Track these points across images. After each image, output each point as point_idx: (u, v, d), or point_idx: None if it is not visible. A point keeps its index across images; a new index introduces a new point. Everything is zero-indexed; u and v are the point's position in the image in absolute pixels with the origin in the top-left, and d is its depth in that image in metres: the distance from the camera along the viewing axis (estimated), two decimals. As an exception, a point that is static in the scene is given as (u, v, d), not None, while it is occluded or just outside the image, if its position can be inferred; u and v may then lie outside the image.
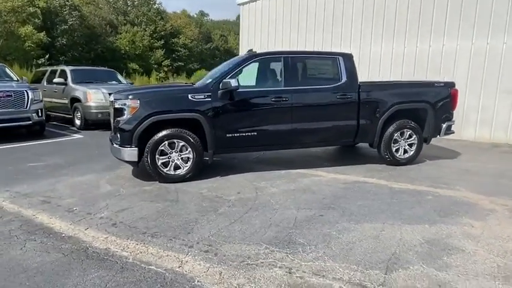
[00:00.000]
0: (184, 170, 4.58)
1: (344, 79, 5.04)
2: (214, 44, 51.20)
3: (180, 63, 42.78)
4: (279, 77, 4.89)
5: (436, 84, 5.46)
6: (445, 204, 3.82)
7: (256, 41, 11.74)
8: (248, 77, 5.48)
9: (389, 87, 5.35)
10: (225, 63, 5.91)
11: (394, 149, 5.34)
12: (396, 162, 5.40)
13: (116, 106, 4.52)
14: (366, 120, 5.13)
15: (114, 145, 4.53)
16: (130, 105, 4.36)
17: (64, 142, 7.77)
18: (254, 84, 4.94)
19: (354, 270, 2.49)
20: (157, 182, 4.59)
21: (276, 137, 4.90)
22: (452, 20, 7.90)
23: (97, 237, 3.02)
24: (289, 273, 2.45)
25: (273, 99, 4.77)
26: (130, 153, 4.41)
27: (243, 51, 11.92)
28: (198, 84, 5.08)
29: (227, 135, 4.66)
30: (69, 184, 4.56)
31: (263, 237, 3.03)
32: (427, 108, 5.33)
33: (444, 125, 5.50)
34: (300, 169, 5.20)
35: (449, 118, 5.53)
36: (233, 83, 4.36)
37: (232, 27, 64.16)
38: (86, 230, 3.17)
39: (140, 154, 4.44)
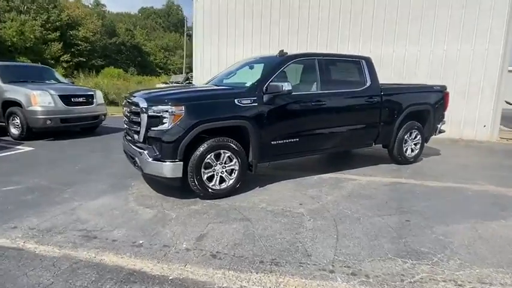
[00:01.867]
0: (230, 183, 4.12)
1: (369, 82, 5.19)
2: (119, 39, 47.44)
3: (81, 59, 38.73)
4: (314, 80, 4.77)
5: (434, 87, 6.03)
6: (490, 199, 4.25)
7: (214, 40, 11.26)
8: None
9: (403, 90, 5.71)
10: (239, 65, 5.53)
11: (404, 149, 5.73)
12: (405, 161, 5.80)
13: (150, 113, 3.80)
14: (386, 122, 5.38)
15: (149, 160, 3.80)
16: (174, 112, 3.71)
17: (11, 158, 6.20)
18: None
19: (504, 273, 2.58)
20: (195, 197, 4.04)
21: (315, 142, 4.78)
22: (413, 29, 8.84)
23: (213, 275, 2.50)
24: (459, 285, 2.41)
25: (313, 104, 4.63)
26: (175, 168, 3.76)
27: (197, 52, 11.32)
28: (222, 87, 4.65)
29: (272, 142, 4.35)
30: (92, 211, 3.67)
31: (386, 249, 2.92)
32: (429, 110, 5.86)
33: (439, 125, 6.13)
34: (326, 174, 5.17)
35: (442, 118, 6.18)
36: (286, 86, 4.08)
37: (136, 21, 60.40)
38: (189, 268, 2.59)
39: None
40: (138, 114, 3.97)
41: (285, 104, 4.38)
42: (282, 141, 4.41)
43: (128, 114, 4.27)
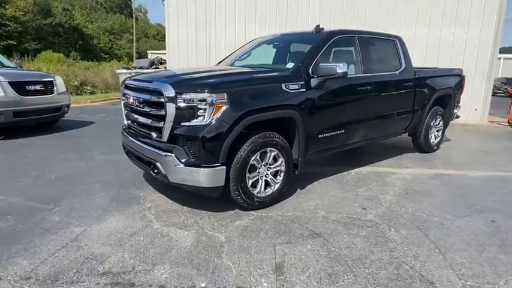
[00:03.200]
0: (276, 187, 3.33)
1: (404, 64, 4.64)
2: (56, 20, 42.54)
3: (11, 42, 34.27)
4: (354, 61, 4.08)
5: (454, 71, 5.69)
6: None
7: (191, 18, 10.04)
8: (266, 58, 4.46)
9: (432, 74, 5.25)
10: (253, 44, 4.64)
11: (429, 137, 5.35)
12: (429, 149, 5.43)
13: (180, 104, 2.83)
14: (418, 108, 4.92)
15: (179, 165, 2.86)
16: (215, 100, 2.80)
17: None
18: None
19: None
20: (234, 208, 3.21)
21: (359, 132, 4.13)
22: (408, 13, 8.54)
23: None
24: None
25: (362, 89, 3.96)
26: (216, 175, 2.87)
27: (171, 32, 10.06)
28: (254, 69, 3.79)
29: (319, 136, 3.62)
30: (104, 239, 2.67)
31: (507, 263, 2.40)
32: (451, 94, 5.52)
33: (456, 110, 5.85)
34: (359, 167, 4.58)
35: (459, 103, 5.90)
36: (341, 68, 3.33)
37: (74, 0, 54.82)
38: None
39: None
40: (159, 105, 2.98)
41: (335, 89, 3.64)
42: (329, 134, 3.70)
43: (138, 105, 3.23)
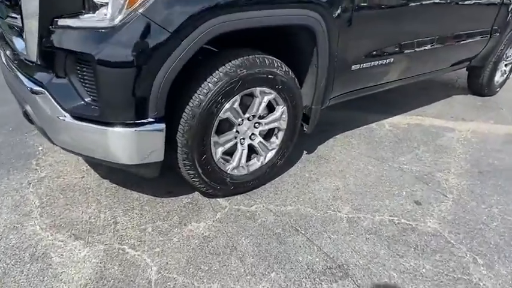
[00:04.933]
0: (268, 157, 1.87)
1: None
2: None
3: None
4: None
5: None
6: None
7: None
8: None
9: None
10: None
11: (495, 73, 3.73)
12: (489, 91, 3.84)
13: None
14: (498, 28, 3.20)
15: (64, 119, 1.33)
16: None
17: None
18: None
19: None
20: (190, 192, 1.80)
21: (416, 62, 2.51)
22: None
23: None
24: None
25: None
26: (144, 142, 1.38)
27: None
28: None
29: (354, 66, 2.02)
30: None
31: None
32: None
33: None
34: (393, 116, 3.02)
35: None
36: None
37: None
38: None
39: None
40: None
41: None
42: (370, 63, 2.09)
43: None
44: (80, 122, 1.34)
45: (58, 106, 1.33)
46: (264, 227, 1.64)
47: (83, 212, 1.65)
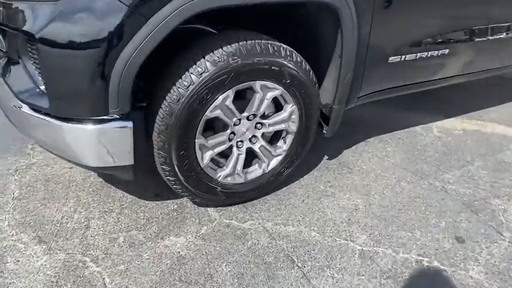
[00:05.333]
0: (272, 165, 1.56)
1: None
2: None
3: None
4: None
5: None
6: None
7: None
8: None
9: None
10: None
11: None
12: None
13: None
14: None
15: (20, 109, 1.15)
16: None
17: None
18: None
19: None
20: (178, 198, 1.56)
21: (482, 54, 2.00)
22: None
23: None
24: None
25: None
26: (104, 143, 1.15)
27: None
28: None
29: (391, 58, 1.61)
30: None
31: None
32: None
33: None
34: (447, 119, 2.52)
35: None
36: None
37: None
38: None
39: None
40: None
41: None
42: (414, 55, 1.65)
43: None
44: (36, 114, 1.14)
45: (13, 94, 1.14)
46: (253, 252, 1.36)
47: (57, 210, 1.49)
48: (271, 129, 1.50)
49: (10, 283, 1.18)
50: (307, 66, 1.42)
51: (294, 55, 1.36)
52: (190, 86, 1.19)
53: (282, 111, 1.48)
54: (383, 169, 1.90)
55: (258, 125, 1.47)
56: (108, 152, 1.18)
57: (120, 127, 1.14)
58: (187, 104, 1.20)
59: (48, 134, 1.18)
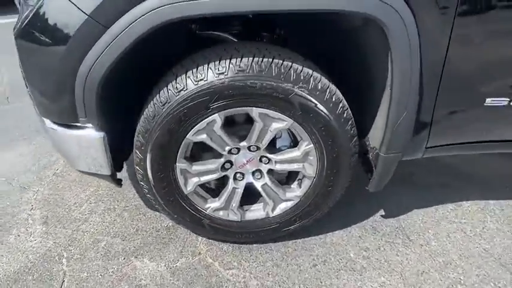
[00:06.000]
0: (281, 207, 1.25)
1: None
2: None
3: None
4: None
5: None
6: None
7: None
8: None
9: None
10: None
11: None
12: None
13: None
14: None
15: (46, 125, 1.20)
16: None
17: None
18: None
19: None
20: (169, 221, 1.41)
21: None
22: None
23: None
24: None
25: None
26: (82, 149, 1.08)
27: None
28: None
29: (489, 100, 1.05)
30: None
31: None
32: None
33: None
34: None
35: None
36: None
37: None
38: None
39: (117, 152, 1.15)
40: None
41: None
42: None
43: None
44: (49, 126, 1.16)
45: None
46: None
47: (75, 195, 1.57)
48: (279, 167, 1.18)
49: (0, 255, 1.30)
50: (336, 97, 1.03)
51: (312, 80, 1.00)
52: (166, 104, 1.01)
53: (296, 148, 1.14)
54: (466, 255, 1.29)
55: (264, 159, 1.18)
56: (87, 159, 1.13)
57: (92, 136, 1.06)
58: (161, 123, 1.02)
59: (47, 135, 1.20)
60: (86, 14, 0.86)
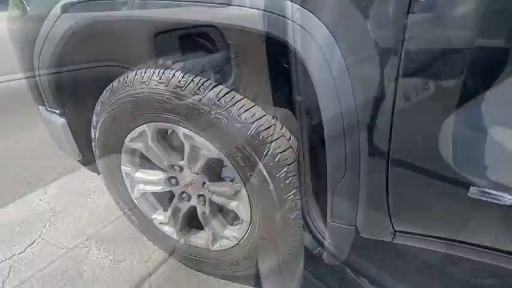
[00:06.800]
0: (222, 243, 1.06)
1: None
2: None
3: None
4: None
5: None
6: None
7: None
8: None
9: None
10: None
11: None
12: None
13: None
14: None
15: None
16: None
17: None
18: None
19: None
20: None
21: None
22: None
23: None
24: None
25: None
26: (56, 133, 1.20)
27: None
28: None
29: (471, 190, 0.63)
30: None
31: None
32: None
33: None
34: None
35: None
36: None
37: None
38: None
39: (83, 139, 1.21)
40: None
41: None
42: None
43: None
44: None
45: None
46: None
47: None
48: (216, 199, 1.00)
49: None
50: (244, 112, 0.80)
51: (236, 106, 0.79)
52: (105, 104, 0.99)
53: (230, 182, 0.95)
54: None
55: (205, 185, 1.03)
56: (61, 138, 1.22)
57: (55, 122, 1.14)
58: (102, 122, 1.02)
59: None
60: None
